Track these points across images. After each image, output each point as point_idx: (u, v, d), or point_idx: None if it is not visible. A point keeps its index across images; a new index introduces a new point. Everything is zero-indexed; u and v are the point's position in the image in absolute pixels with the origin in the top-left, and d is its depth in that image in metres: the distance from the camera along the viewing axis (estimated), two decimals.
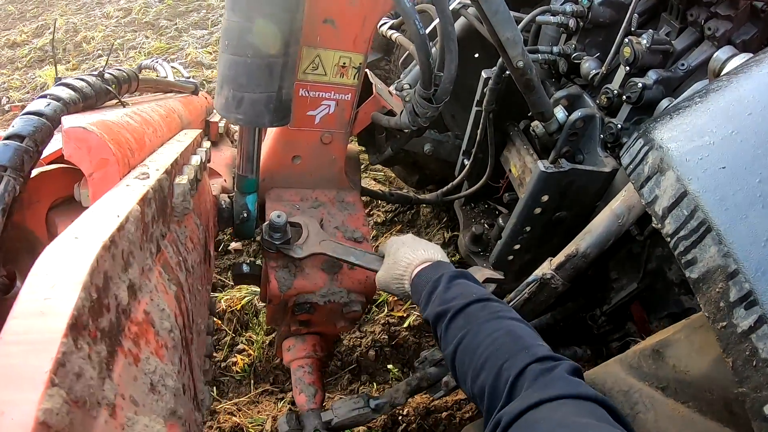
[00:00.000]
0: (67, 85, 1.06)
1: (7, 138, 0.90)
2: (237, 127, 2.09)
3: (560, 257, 1.58)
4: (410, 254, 1.48)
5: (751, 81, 1.01)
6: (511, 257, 2.13)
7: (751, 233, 0.81)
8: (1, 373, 0.47)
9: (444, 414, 2.49)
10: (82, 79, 1.11)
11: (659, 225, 0.98)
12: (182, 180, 1.05)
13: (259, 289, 2.96)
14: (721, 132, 0.94)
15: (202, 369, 1.19)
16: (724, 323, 0.81)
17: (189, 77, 2.21)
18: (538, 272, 1.62)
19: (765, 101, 0.93)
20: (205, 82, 5.16)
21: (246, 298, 2.98)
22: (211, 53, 5.88)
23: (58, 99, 1.00)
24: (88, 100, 1.08)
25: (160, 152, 1.11)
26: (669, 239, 0.95)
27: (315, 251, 1.63)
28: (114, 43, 6.12)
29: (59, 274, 0.56)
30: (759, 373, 0.75)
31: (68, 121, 0.93)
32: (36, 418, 0.44)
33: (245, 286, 3.05)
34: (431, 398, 2.55)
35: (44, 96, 1.01)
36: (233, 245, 3.38)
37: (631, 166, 1.08)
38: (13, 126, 0.92)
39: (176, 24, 6.68)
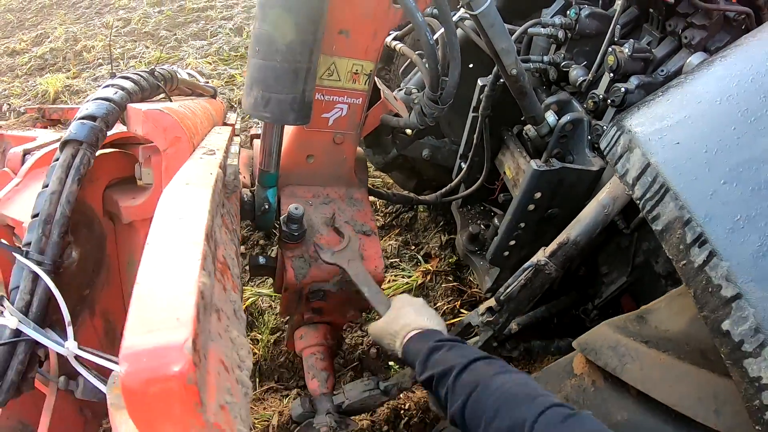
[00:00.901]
0: (128, 78, 1.20)
1: (83, 118, 1.04)
2: (251, 131, 2.23)
3: (553, 245, 1.70)
4: (412, 317, 1.52)
5: (702, 77, 1.24)
6: (506, 253, 2.24)
7: (700, 190, 1.03)
8: (160, 262, 0.60)
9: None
10: (138, 74, 1.25)
11: (630, 191, 1.18)
12: (233, 161, 1.19)
13: (264, 290, 3.08)
14: (676, 117, 1.17)
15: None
16: (684, 261, 1.01)
17: (206, 82, 2.34)
18: (533, 260, 1.74)
19: (711, 91, 1.16)
20: None
21: (250, 299, 3.06)
22: (210, 63, 5.96)
23: (123, 88, 1.14)
24: (144, 92, 1.23)
25: (210, 139, 1.25)
26: (638, 201, 1.15)
27: (340, 264, 1.74)
28: (114, 52, 6.19)
29: (187, 204, 0.70)
30: (714, 297, 0.94)
31: (135, 107, 1.07)
32: (198, 287, 0.58)
33: (249, 287, 3.14)
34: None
35: (110, 86, 1.15)
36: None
37: (608, 148, 1.30)
38: (87, 108, 1.06)
39: (175, 34, 6.77)
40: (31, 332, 0.90)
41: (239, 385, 0.73)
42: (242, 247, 3.48)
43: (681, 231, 1.03)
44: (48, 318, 0.97)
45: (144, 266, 0.61)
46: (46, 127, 2.23)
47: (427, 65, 1.56)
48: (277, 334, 2.92)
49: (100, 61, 6.13)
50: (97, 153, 1.13)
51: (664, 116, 1.19)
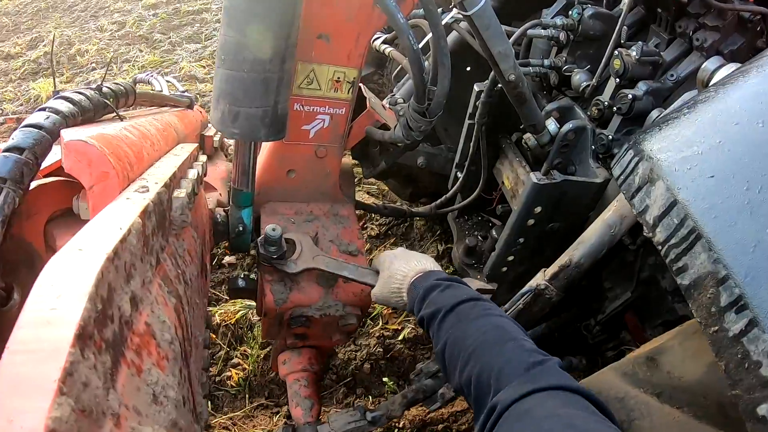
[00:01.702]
0: (66, 99, 1.07)
1: (7, 150, 0.91)
2: (232, 142, 2.12)
3: (554, 268, 1.60)
4: (404, 266, 1.51)
5: (737, 92, 1.05)
6: (505, 269, 2.14)
7: (740, 240, 0.84)
8: (9, 382, 0.48)
9: (440, 426, 2.50)
10: (80, 93, 1.12)
11: (650, 234, 1.00)
12: (180, 194, 1.07)
13: (253, 303, 2.97)
14: (708, 142, 0.97)
15: (200, 382, 1.20)
16: (716, 328, 0.84)
17: (184, 91, 2.23)
18: (532, 283, 1.64)
19: (751, 111, 0.97)
20: (198, 95, 5.18)
21: (240, 312, 2.98)
22: (204, 67, 5.90)
23: (57, 112, 1.01)
24: (87, 114, 1.09)
25: (158, 166, 1.12)
26: (660, 247, 0.97)
27: (309, 266, 1.64)
28: (109, 57, 6.14)
29: (65, 285, 0.57)
30: (751, 375, 0.78)
31: (68, 134, 0.94)
32: (46, 426, 0.45)
33: (240, 300, 3.05)
34: (427, 410, 2.55)
35: (43, 109, 1.02)
36: (227, 259, 3.38)
37: (622, 177, 1.11)
38: (13, 138, 0.94)
39: (170, 38, 6.71)
40: None
41: None
42: (233, 257, 3.40)
43: (714, 290, 0.85)
44: None
45: None
46: None
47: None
48: (267, 349, 2.85)
49: (93, 65, 6.07)
50: (35, 184, 1.02)
51: (693, 141, 1.00)
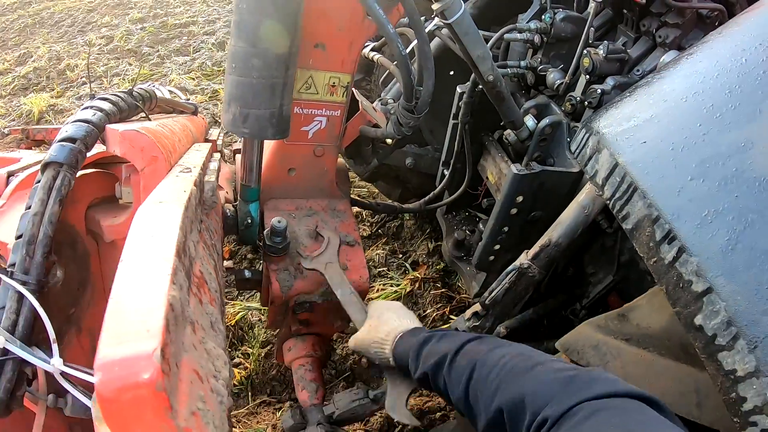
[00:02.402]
0: (107, 99, 1.23)
1: (62, 140, 1.06)
2: (227, 149, 2.24)
3: (535, 248, 1.71)
4: (396, 321, 1.48)
5: (669, 76, 1.25)
6: (492, 257, 2.25)
7: (667, 187, 1.04)
8: (132, 277, 0.63)
9: (438, 414, 2.58)
10: (116, 95, 1.28)
11: (600, 192, 1.20)
12: (211, 177, 1.22)
13: (253, 304, 3.08)
14: (643, 116, 1.18)
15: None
16: (655, 258, 1.03)
17: (188, 99, 2.35)
18: (516, 263, 1.76)
19: (677, 90, 1.17)
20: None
21: (240, 313, 3.06)
22: (194, 79, 5.97)
23: (101, 110, 1.17)
24: (123, 113, 1.25)
25: (188, 156, 1.27)
26: (608, 201, 1.17)
27: (318, 268, 1.75)
28: (97, 71, 6.19)
29: (159, 221, 0.73)
30: (686, 292, 0.95)
31: (114, 127, 1.10)
32: (168, 300, 0.60)
33: (239, 301, 3.14)
34: (425, 399, 2.63)
35: (88, 107, 1.18)
36: (225, 264, 3.46)
37: (577, 150, 1.32)
38: (66, 131, 1.09)
39: (158, 51, 6.78)
40: (18, 350, 0.92)
41: (214, 393, 0.76)
42: (230, 262, 3.48)
43: (650, 229, 1.04)
44: (34, 336, 0.99)
45: (117, 282, 0.65)
46: (30, 148, 2.24)
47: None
48: (268, 348, 2.93)
49: (83, 79, 6.12)
50: (78, 174, 1.14)
51: (632, 116, 1.20)
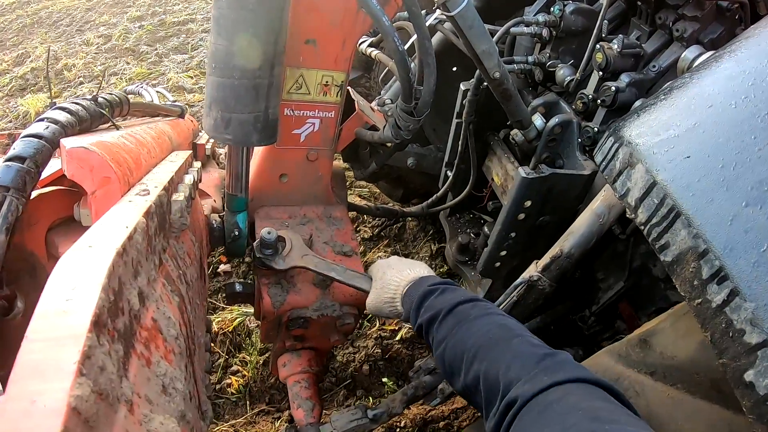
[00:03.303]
0: (64, 109, 1.10)
1: (9, 159, 0.95)
2: (223, 150, 2.14)
3: (545, 259, 1.62)
4: (397, 276, 1.50)
5: (711, 76, 1.08)
6: (498, 264, 2.15)
7: (717, 214, 0.88)
8: (28, 367, 0.50)
9: (441, 423, 2.51)
10: (77, 103, 1.15)
11: (633, 215, 1.04)
12: (179, 197, 1.09)
13: (250, 310, 2.99)
14: (684, 125, 1.01)
15: (203, 382, 1.22)
16: (700, 300, 0.87)
17: (174, 101, 2.25)
18: (525, 275, 1.66)
19: (723, 93, 1.00)
20: (187, 105, 5.19)
21: (237, 320, 2.99)
22: (192, 77, 5.91)
23: (56, 122, 1.04)
24: (84, 123, 1.13)
25: (156, 172, 1.15)
26: (643, 227, 1.01)
27: (297, 264, 1.65)
28: (97, 71, 6.13)
29: (79, 278, 0.61)
30: (736, 343, 0.81)
31: (68, 142, 0.97)
32: (68, 404, 0.47)
33: (236, 307, 3.06)
34: (428, 409, 2.57)
35: (42, 119, 1.05)
36: (222, 267, 3.39)
37: (604, 163, 1.15)
38: (14, 148, 0.97)
39: (156, 49, 6.72)
40: None
41: None
42: (228, 266, 3.41)
43: (696, 264, 0.89)
44: None
45: (16, 370, 0.51)
46: None
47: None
48: (266, 355, 2.87)
49: (81, 79, 6.06)
50: (36, 193, 1.05)
51: (670, 124, 1.04)
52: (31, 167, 0.94)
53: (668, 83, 1.19)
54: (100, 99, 1.23)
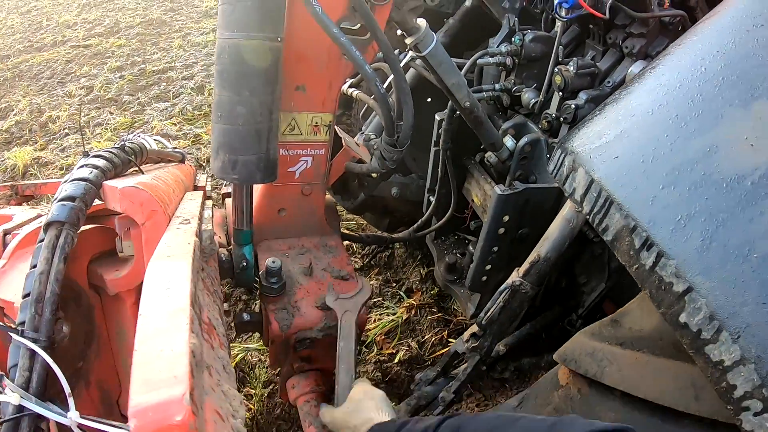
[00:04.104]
0: (101, 156, 1.28)
1: (63, 199, 1.11)
2: (222, 190, 2.28)
3: (525, 265, 1.75)
4: (373, 412, 1.41)
5: (635, 91, 1.31)
6: (484, 278, 2.29)
7: (641, 197, 1.10)
8: (150, 331, 0.69)
9: None
10: (110, 151, 1.33)
11: (579, 208, 1.25)
12: (207, 226, 1.26)
13: (252, 345, 3.08)
14: (614, 132, 1.24)
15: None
16: (636, 265, 1.08)
17: (175, 147, 2.38)
18: (508, 281, 1.79)
19: (643, 104, 1.24)
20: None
21: (239, 355, 3.05)
22: (175, 124, 5.98)
23: (96, 167, 1.22)
24: (117, 169, 1.30)
25: (183, 207, 1.32)
26: (588, 216, 1.23)
27: (336, 309, 1.76)
28: (81, 122, 6.18)
29: (170, 275, 0.78)
30: (668, 294, 1.01)
31: (114, 183, 1.14)
32: (189, 347, 0.65)
33: (238, 342, 3.13)
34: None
35: (84, 165, 1.24)
36: None
37: (554, 170, 1.37)
38: (65, 190, 1.14)
39: (138, 98, 6.78)
40: (34, 406, 0.95)
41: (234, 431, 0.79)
42: (225, 305, 3.48)
43: (629, 238, 1.09)
44: (47, 392, 1.01)
45: (140, 334, 0.69)
46: (20, 204, 2.26)
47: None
48: (270, 387, 2.91)
49: (66, 131, 6.09)
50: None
51: (603, 133, 1.26)
52: (81, 206, 1.11)
53: (604, 101, 1.41)
54: (126, 147, 1.40)
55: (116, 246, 1.29)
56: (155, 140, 2.43)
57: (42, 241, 1.06)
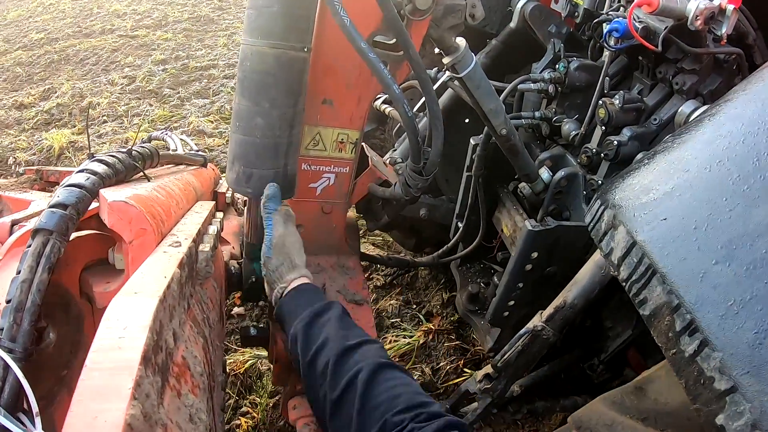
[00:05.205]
0: (102, 161, 1.22)
1: (53, 206, 1.05)
2: (243, 198, 2.22)
3: (549, 309, 1.66)
4: (293, 269, 1.48)
5: (690, 141, 1.15)
6: (506, 313, 2.19)
7: (689, 272, 0.94)
8: (90, 391, 0.60)
9: None
10: (113, 156, 1.26)
11: (616, 273, 1.10)
12: (205, 248, 1.19)
13: (263, 353, 3.02)
14: (663, 188, 1.08)
15: (220, 419, 1.28)
16: (674, 350, 0.93)
17: (197, 150, 2.34)
18: (529, 325, 1.70)
19: (700, 158, 1.07)
20: (207, 149, 5.27)
21: (249, 362, 3.00)
22: (212, 122, 6.01)
23: (95, 173, 1.16)
24: (120, 175, 1.24)
25: (185, 222, 1.25)
26: (624, 284, 1.07)
27: None
28: (120, 111, 6.27)
29: (129, 320, 0.70)
30: (707, 390, 0.86)
31: (107, 194, 1.08)
32: (125, 420, 0.57)
33: (248, 350, 3.09)
34: None
35: (83, 170, 1.17)
36: (236, 310, 3.43)
37: (591, 224, 1.21)
38: (58, 196, 1.08)
39: (179, 92, 6.85)
40: (1, 419, 0.88)
41: None
42: (241, 308, 3.45)
43: (670, 318, 0.95)
44: (21, 404, 0.94)
45: (78, 391, 0.60)
46: (44, 189, 2.24)
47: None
48: (276, 398, 2.86)
49: (104, 117, 6.21)
50: (74, 236, 1.13)
51: (650, 188, 1.11)
52: (73, 214, 1.05)
53: (655, 145, 1.26)
54: (134, 152, 1.34)
55: (108, 257, 1.22)
56: (181, 140, 2.40)
57: (29, 247, 1.00)
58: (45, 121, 6.27)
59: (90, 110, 6.38)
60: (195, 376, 0.90)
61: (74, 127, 6.04)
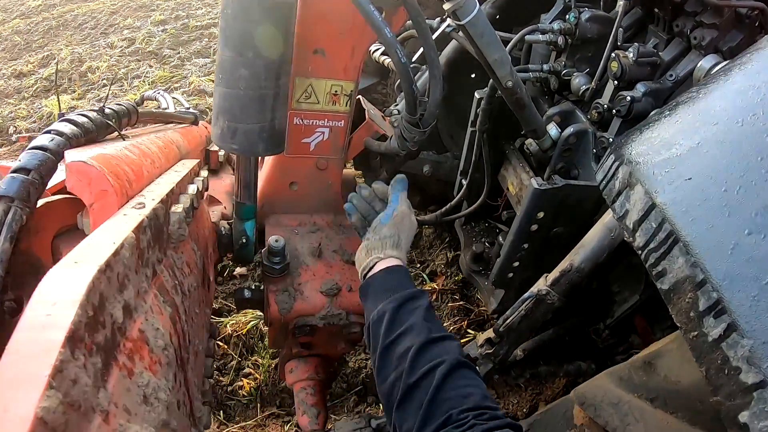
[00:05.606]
0: (70, 121, 1.13)
1: (14, 171, 0.98)
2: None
3: (555, 273, 1.58)
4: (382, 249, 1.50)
5: (717, 90, 1.00)
6: (510, 274, 2.12)
7: (718, 242, 0.80)
8: (6, 379, 0.52)
9: None
10: (83, 115, 1.18)
11: (630, 239, 0.96)
12: (177, 209, 1.10)
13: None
14: (687, 143, 0.92)
15: (200, 389, 1.22)
16: (696, 332, 0.80)
17: (189, 107, 2.26)
18: (533, 289, 1.63)
19: (730, 109, 0.92)
20: (208, 110, 5.20)
21: (251, 323, 3.00)
22: (213, 81, 5.91)
23: (61, 134, 1.07)
24: (90, 135, 1.15)
25: (158, 182, 1.16)
26: (640, 252, 0.94)
27: None
28: (118, 73, 6.18)
29: (60, 294, 0.62)
30: (731, 381, 0.74)
31: (70, 155, 1.00)
32: (35, 414, 0.50)
33: (251, 310, 3.07)
34: None
35: (48, 131, 1.08)
36: (238, 270, 3.40)
37: (604, 182, 1.07)
38: (20, 160, 1.00)
39: (179, 53, 6.76)
40: None
41: None
42: (244, 269, 3.41)
43: (692, 294, 0.80)
44: None
45: None
46: None
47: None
48: (278, 359, 2.85)
49: (104, 81, 6.13)
50: (43, 201, 1.07)
51: (672, 143, 0.95)
52: (36, 178, 0.97)
53: (675, 98, 1.14)
54: (107, 110, 1.25)
55: (78, 223, 1.14)
56: (173, 98, 2.32)
57: None
58: (45, 89, 6.21)
59: (89, 74, 6.29)
60: (155, 351, 0.82)
61: (74, 92, 5.98)
